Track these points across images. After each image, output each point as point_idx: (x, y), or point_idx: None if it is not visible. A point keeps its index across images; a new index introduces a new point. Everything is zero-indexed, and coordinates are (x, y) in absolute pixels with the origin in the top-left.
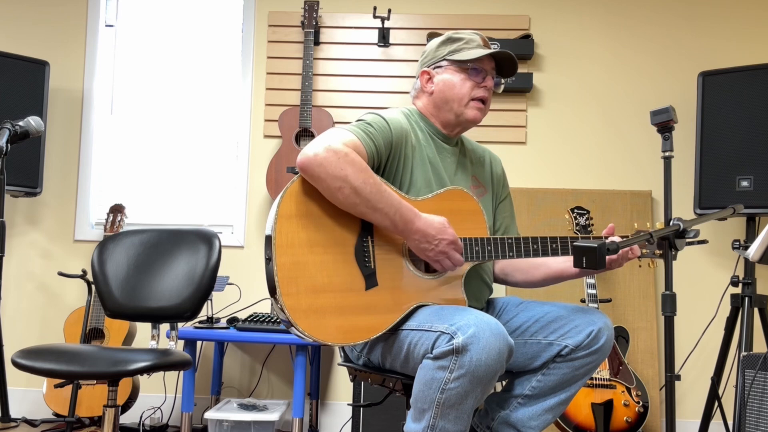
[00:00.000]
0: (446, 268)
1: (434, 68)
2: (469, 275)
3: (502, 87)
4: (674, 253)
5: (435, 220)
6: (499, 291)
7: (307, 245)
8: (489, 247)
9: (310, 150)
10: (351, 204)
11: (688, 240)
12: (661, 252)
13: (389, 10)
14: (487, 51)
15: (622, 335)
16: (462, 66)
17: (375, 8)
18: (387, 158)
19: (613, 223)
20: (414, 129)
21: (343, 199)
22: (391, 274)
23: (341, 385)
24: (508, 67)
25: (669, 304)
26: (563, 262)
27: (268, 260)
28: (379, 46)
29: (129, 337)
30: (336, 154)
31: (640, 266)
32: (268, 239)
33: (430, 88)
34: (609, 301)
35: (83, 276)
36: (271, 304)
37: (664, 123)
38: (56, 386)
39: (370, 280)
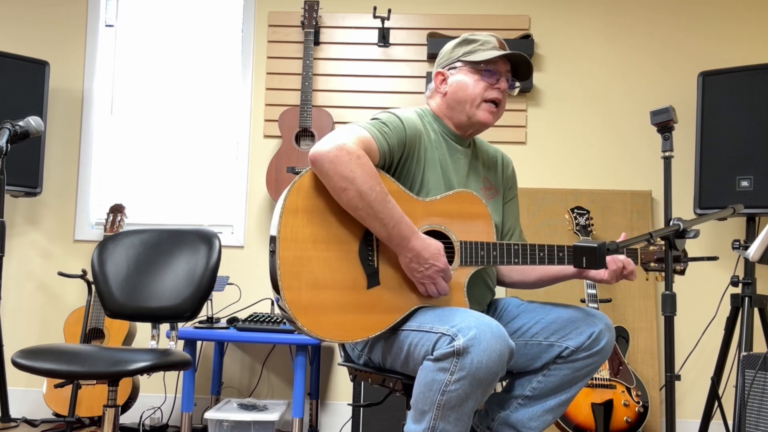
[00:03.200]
0: (430, 294)
1: (449, 69)
2: (473, 279)
3: (517, 90)
4: (683, 267)
5: (431, 244)
6: (499, 292)
7: (311, 241)
8: (494, 253)
9: (323, 145)
10: (353, 207)
11: (697, 256)
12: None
13: (389, 10)
14: (500, 52)
15: (622, 335)
16: (476, 67)
17: (375, 8)
18: (400, 158)
19: (613, 222)
20: (427, 130)
21: (347, 200)
22: (394, 274)
23: (341, 385)
24: (523, 70)
25: (669, 304)
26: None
27: (272, 253)
28: (379, 46)
29: (129, 337)
30: (349, 154)
31: (647, 279)
32: (273, 230)
33: (444, 89)
34: (609, 301)
35: (83, 276)
36: (273, 299)
37: (664, 123)
38: (56, 386)
39: (373, 279)
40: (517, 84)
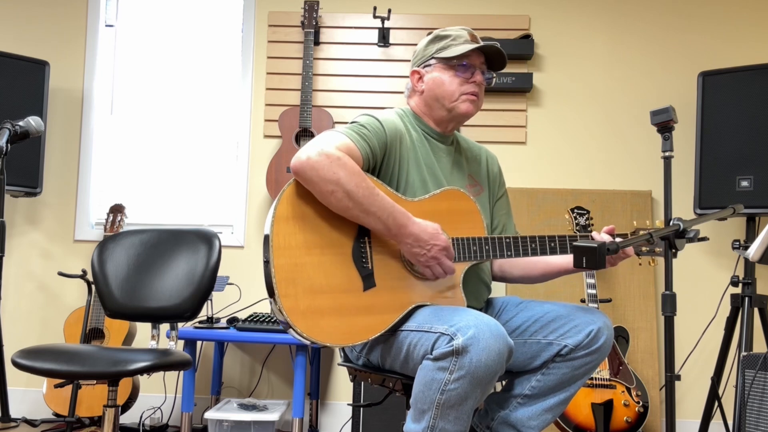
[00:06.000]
0: (436, 275)
1: (423, 67)
2: (468, 275)
3: (493, 81)
4: (674, 252)
5: (429, 226)
6: (498, 290)
7: (305, 247)
8: (487, 247)
9: (302, 154)
10: (343, 208)
11: (687, 237)
12: (660, 249)
13: (389, 10)
14: (472, 46)
15: (622, 335)
16: (449, 63)
17: (375, 8)
18: (382, 159)
19: (613, 222)
20: (408, 129)
21: (336, 202)
22: (389, 274)
23: (341, 385)
24: (497, 60)
25: (669, 304)
26: (561, 258)
27: (266, 262)
28: (379, 46)
29: (129, 337)
30: (328, 158)
31: (640, 264)
32: (266, 241)
33: (421, 87)
34: (609, 301)
35: (83, 276)
36: (270, 305)
37: (664, 123)
38: (56, 386)
39: (368, 280)
40: (493, 75)
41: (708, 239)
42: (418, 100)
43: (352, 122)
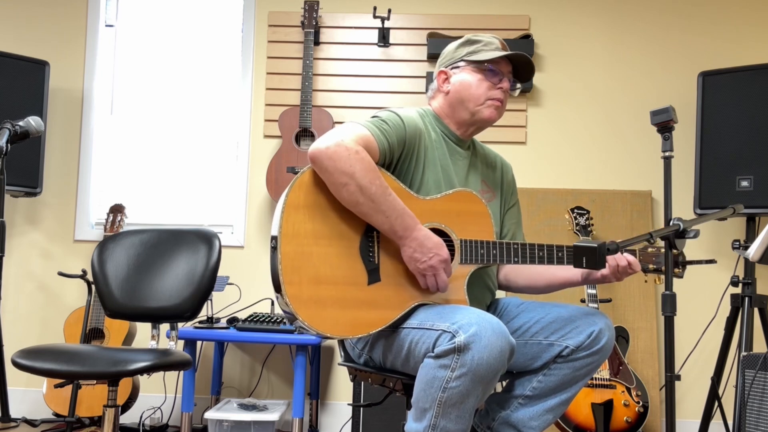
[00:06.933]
0: (429, 286)
1: (451, 68)
2: (473, 278)
3: (518, 91)
4: (681, 270)
5: (434, 236)
6: (499, 292)
7: (313, 236)
8: (494, 251)
9: (322, 142)
10: (354, 202)
11: (695, 259)
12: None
13: (389, 10)
14: (504, 53)
15: (622, 335)
16: (479, 66)
17: (375, 8)
18: (399, 156)
19: (613, 222)
20: (428, 129)
21: (348, 196)
22: (395, 271)
23: (341, 385)
24: (525, 71)
25: (669, 304)
26: (567, 270)
27: (274, 249)
28: (379, 46)
29: (129, 337)
30: (347, 150)
31: (645, 281)
32: (275, 227)
33: (446, 88)
34: (609, 301)
35: (83, 276)
36: (277, 299)
37: (664, 123)
38: (56, 386)
39: (373, 275)
40: (519, 85)
41: (716, 262)
42: (441, 102)
43: (374, 116)
